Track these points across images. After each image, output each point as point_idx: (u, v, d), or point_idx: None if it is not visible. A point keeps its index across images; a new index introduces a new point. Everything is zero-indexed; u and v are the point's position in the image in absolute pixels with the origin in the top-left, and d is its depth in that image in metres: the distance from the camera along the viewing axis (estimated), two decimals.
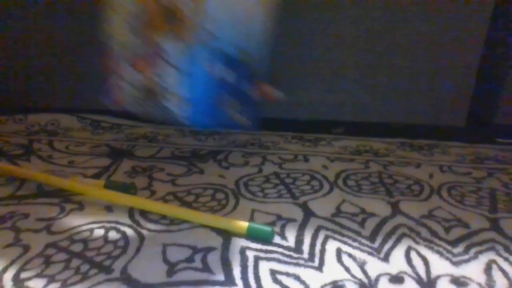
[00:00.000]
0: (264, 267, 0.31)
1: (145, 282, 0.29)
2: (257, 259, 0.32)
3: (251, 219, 0.39)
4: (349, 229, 0.37)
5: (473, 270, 0.31)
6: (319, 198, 0.43)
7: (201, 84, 0.37)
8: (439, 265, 0.32)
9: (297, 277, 0.30)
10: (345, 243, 0.35)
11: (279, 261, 0.32)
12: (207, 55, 0.37)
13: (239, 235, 0.35)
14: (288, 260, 0.32)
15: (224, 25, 0.38)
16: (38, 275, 0.30)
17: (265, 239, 0.34)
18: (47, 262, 0.31)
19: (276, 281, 0.30)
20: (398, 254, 0.33)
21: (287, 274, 0.30)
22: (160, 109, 0.39)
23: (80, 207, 0.40)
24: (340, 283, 0.30)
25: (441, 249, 0.34)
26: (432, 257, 0.33)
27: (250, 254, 0.33)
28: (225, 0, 0.37)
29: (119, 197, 0.40)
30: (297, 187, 0.46)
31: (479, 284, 0.30)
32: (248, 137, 0.64)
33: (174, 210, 0.39)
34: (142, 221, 0.38)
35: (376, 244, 0.34)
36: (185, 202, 0.42)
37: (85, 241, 0.34)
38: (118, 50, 0.39)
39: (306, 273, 0.30)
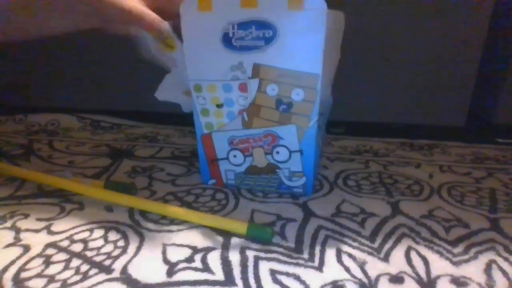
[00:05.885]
0: (264, 267, 0.31)
1: (145, 282, 0.29)
2: (257, 259, 0.32)
3: (251, 219, 0.39)
4: (349, 229, 0.37)
5: (473, 270, 0.31)
6: (319, 198, 0.43)
7: (313, 158, 0.42)
8: (439, 265, 0.32)
9: (297, 277, 0.30)
10: (345, 243, 0.35)
11: (279, 261, 0.32)
12: (321, 134, 0.42)
13: (239, 236, 0.35)
14: (288, 260, 0.32)
15: (324, 102, 0.44)
16: (38, 275, 0.30)
17: (265, 240, 0.34)
18: (47, 262, 0.31)
19: (276, 281, 0.30)
20: (398, 254, 0.33)
21: (287, 274, 0.30)
22: (266, 181, 0.44)
23: (80, 207, 0.40)
24: (340, 283, 0.30)
25: (441, 249, 0.34)
26: (432, 257, 0.33)
27: (250, 254, 0.33)
28: (324, 79, 0.40)
29: (119, 197, 0.40)
30: None
31: (479, 284, 0.30)
32: None
33: (174, 210, 0.39)
34: (142, 221, 0.38)
35: (376, 244, 0.34)
36: (185, 202, 0.42)
37: (85, 241, 0.34)
38: (216, 135, 0.44)
39: (306, 273, 0.31)
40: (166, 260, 0.32)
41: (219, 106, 0.41)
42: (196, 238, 0.35)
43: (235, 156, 0.43)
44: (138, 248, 0.33)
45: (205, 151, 0.45)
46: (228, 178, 0.45)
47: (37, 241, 0.34)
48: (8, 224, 0.37)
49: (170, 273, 0.30)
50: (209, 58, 0.40)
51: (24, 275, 0.30)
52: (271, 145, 0.42)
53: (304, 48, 0.37)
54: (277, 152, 0.42)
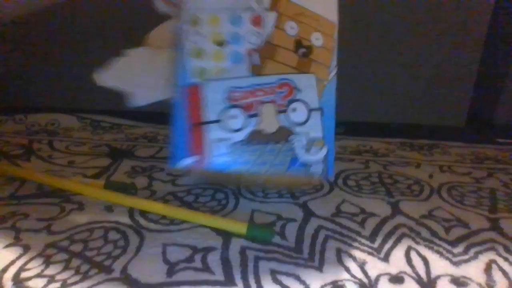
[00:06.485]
0: (264, 267, 0.31)
1: (145, 282, 0.29)
2: (257, 259, 0.32)
3: (251, 219, 0.39)
4: (349, 229, 0.37)
5: (473, 270, 0.31)
6: (319, 198, 0.43)
7: (334, 121, 0.35)
8: (439, 265, 0.32)
9: (297, 277, 0.30)
10: (345, 243, 0.35)
11: (279, 261, 0.32)
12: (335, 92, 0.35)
13: (239, 236, 0.35)
14: (288, 260, 0.32)
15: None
16: (38, 275, 0.30)
17: (265, 240, 0.34)
18: (47, 262, 0.31)
19: (276, 281, 0.30)
20: (398, 254, 0.33)
21: (287, 274, 0.30)
22: (275, 155, 0.34)
23: (80, 207, 0.40)
24: (340, 283, 0.30)
25: (441, 249, 0.34)
26: (432, 257, 0.33)
27: (250, 254, 0.33)
28: None
29: (119, 197, 0.40)
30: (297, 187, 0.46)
31: (479, 284, 0.30)
32: None
33: (174, 210, 0.39)
34: (142, 221, 0.38)
35: (376, 244, 0.34)
36: (185, 202, 0.42)
37: (85, 241, 0.34)
38: (210, 86, 0.33)
39: (306, 273, 0.30)
40: (166, 260, 0.32)
41: (221, 44, 0.32)
42: (196, 238, 0.35)
43: (233, 117, 0.32)
44: (138, 248, 0.33)
45: (186, 111, 0.33)
46: (216, 154, 0.33)
47: (37, 241, 0.34)
48: (8, 224, 0.37)
49: (170, 273, 0.30)
50: None
51: (24, 275, 0.30)
52: (287, 99, 0.33)
53: None
54: (294, 110, 0.33)
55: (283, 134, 0.33)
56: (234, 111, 0.33)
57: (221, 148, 0.33)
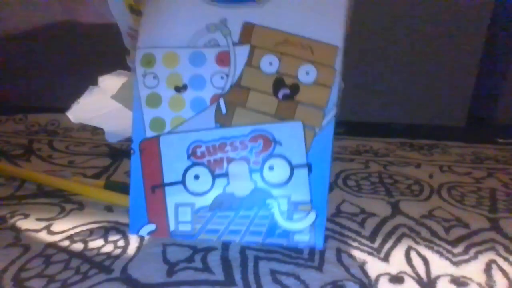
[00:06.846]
0: (264, 267, 0.31)
1: (145, 282, 0.29)
2: (257, 259, 0.32)
3: None
4: (349, 229, 0.37)
5: (473, 270, 0.31)
6: None
7: (328, 179, 0.27)
8: (439, 265, 0.32)
9: (297, 277, 0.30)
10: (345, 243, 0.35)
11: (279, 261, 0.32)
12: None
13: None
14: (288, 260, 0.32)
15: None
16: (38, 275, 0.30)
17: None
18: (47, 262, 0.31)
19: (276, 281, 0.30)
20: (398, 254, 0.33)
21: (287, 274, 0.30)
22: (248, 223, 0.29)
23: (80, 207, 0.40)
24: (340, 283, 0.29)
25: (441, 249, 0.34)
26: (432, 257, 0.33)
27: (250, 254, 0.33)
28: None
29: (119, 197, 0.40)
30: None
31: (479, 284, 0.30)
32: None
33: None
34: None
35: (376, 244, 0.34)
36: None
37: (85, 241, 0.34)
38: (168, 140, 0.27)
39: (306, 273, 0.30)
40: (166, 260, 0.32)
41: (179, 88, 0.27)
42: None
43: (197, 177, 0.28)
44: (138, 248, 0.33)
45: (143, 171, 0.28)
46: (179, 221, 0.28)
47: (37, 241, 0.34)
48: (8, 224, 0.37)
49: (170, 273, 0.30)
50: (175, 12, 0.27)
51: (24, 275, 0.30)
52: (262, 156, 0.27)
53: (319, 7, 0.27)
54: (271, 168, 0.28)
55: (259, 198, 0.28)
56: (198, 171, 0.28)
57: (184, 215, 0.29)
